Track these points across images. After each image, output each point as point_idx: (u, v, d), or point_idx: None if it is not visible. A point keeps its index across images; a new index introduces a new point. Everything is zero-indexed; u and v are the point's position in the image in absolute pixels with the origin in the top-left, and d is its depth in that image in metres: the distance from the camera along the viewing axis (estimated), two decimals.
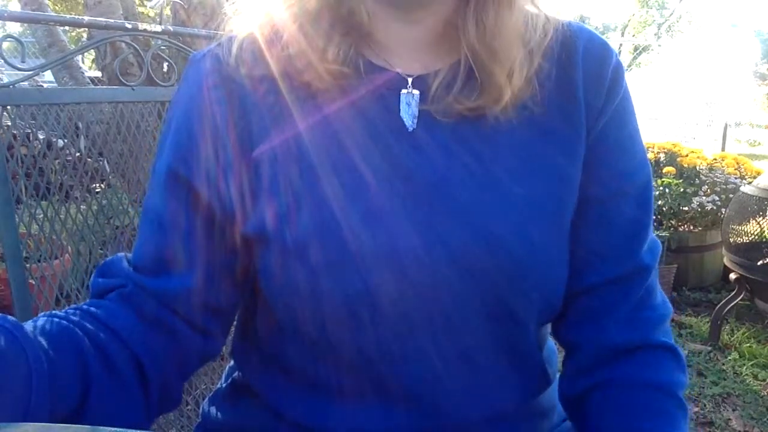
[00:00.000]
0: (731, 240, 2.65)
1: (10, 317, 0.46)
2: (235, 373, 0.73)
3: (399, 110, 0.57)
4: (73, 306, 0.56)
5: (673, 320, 2.39)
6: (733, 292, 2.59)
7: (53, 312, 0.53)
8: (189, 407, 1.58)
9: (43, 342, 0.48)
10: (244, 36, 0.59)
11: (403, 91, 0.57)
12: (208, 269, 0.59)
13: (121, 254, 0.62)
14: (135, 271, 0.59)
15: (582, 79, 0.58)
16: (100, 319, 0.55)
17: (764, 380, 2.30)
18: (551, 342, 0.71)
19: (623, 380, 0.60)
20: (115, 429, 0.31)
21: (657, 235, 0.65)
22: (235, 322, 0.70)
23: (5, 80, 1.15)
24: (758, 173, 3.41)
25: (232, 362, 0.74)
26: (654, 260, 0.62)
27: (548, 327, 0.68)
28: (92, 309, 0.55)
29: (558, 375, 0.71)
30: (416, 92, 0.57)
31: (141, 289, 0.58)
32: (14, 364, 0.44)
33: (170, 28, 1.39)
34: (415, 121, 0.57)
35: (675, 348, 0.62)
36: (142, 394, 0.56)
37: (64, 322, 0.52)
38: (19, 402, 0.43)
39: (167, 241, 0.58)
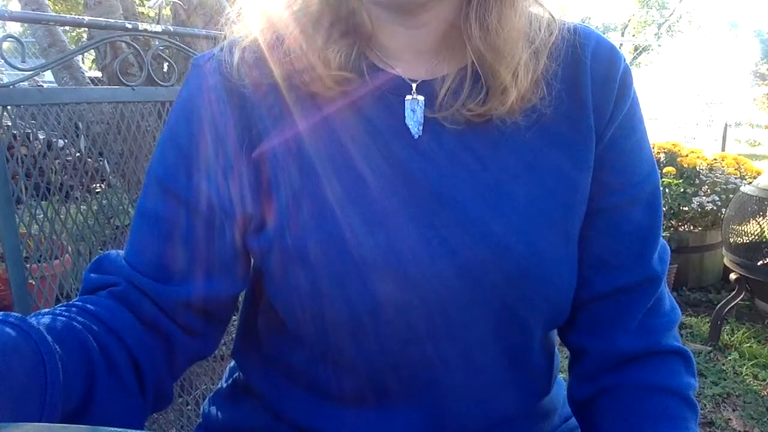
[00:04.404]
0: (731, 240, 2.65)
1: (14, 314, 0.46)
2: (237, 373, 0.73)
3: (404, 116, 0.56)
4: (68, 303, 0.55)
5: None
6: (733, 292, 2.58)
7: (54, 309, 0.52)
8: (189, 407, 1.58)
9: (51, 339, 0.47)
10: (246, 40, 0.58)
11: (408, 97, 0.56)
12: (208, 275, 0.58)
13: (114, 251, 0.60)
14: (133, 270, 0.58)
15: (590, 85, 0.57)
16: (100, 317, 0.54)
17: (764, 380, 2.29)
18: (555, 345, 0.71)
19: (634, 384, 0.60)
20: (116, 429, 0.30)
21: None
22: (237, 322, 0.70)
23: (5, 80, 1.15)
24: (758, 173, 3.41)
25: (233, 362, 0.74)
26: (664, 268, 0.62)
27: (554, 332, 0.67)
28: (90, 306, 0.54)
29: (560, 378, 0.71)
30: (421, 98, 0.56)
31: (138, 291, 0.57)
32: (30, 360, 0.43)
33: (170, 28, 1.39)
34: (421, 127, 0.56)
35: (684, 351, 0.62)
36: (140, 395, 0.55)
37: (67, 320, 0.51)
38: (35, 397, 0.43)
39: (168, 247, 0.57)
